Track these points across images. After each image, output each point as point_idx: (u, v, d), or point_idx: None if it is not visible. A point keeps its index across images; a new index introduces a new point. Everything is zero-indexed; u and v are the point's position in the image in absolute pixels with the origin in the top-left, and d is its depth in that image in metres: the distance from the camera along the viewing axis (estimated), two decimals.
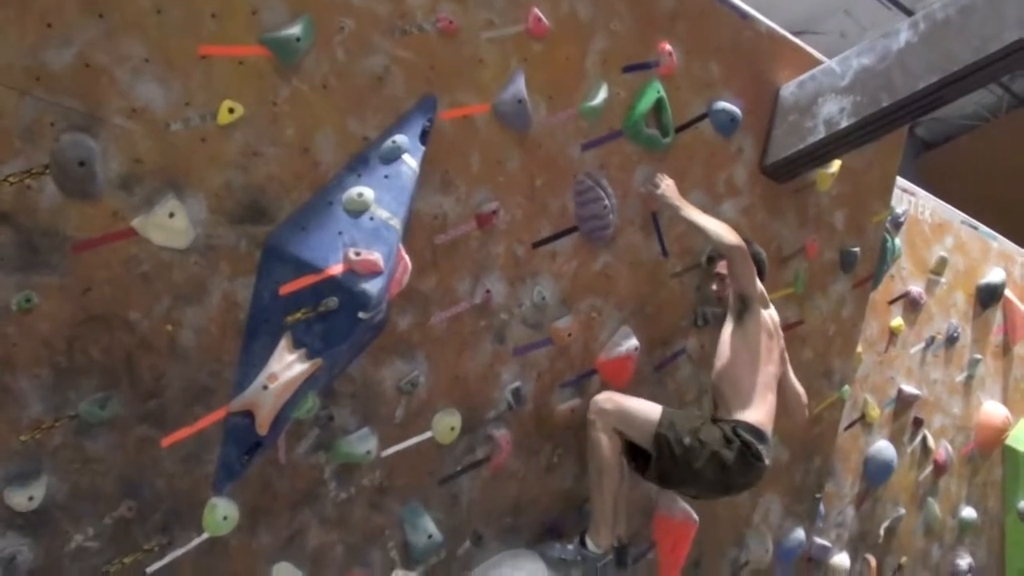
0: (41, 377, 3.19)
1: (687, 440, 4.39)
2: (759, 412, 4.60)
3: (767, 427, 4.61)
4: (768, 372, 4.73)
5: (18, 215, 3.09)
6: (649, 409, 4.52)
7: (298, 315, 3.48)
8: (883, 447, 7.00)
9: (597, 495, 4.46)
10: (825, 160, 5.43)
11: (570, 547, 4.48)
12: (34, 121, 3.08)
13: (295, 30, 3.54)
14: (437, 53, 3.95)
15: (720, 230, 4.56)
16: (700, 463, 4.39)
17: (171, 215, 3.35)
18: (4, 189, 3.06)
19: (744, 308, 4.67)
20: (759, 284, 4.73)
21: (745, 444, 4.45)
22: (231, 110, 3.45)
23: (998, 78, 5.03)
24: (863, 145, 5.33)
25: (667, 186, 4.67)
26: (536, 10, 4.22)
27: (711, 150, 5.02)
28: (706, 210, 4.82)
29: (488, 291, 4.24)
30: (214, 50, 3.40)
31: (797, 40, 5.48)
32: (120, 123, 3.23)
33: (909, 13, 12.27)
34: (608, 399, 4.53)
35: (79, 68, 3.15)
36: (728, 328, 4.74)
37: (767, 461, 4.54)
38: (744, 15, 5.11)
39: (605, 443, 4.44)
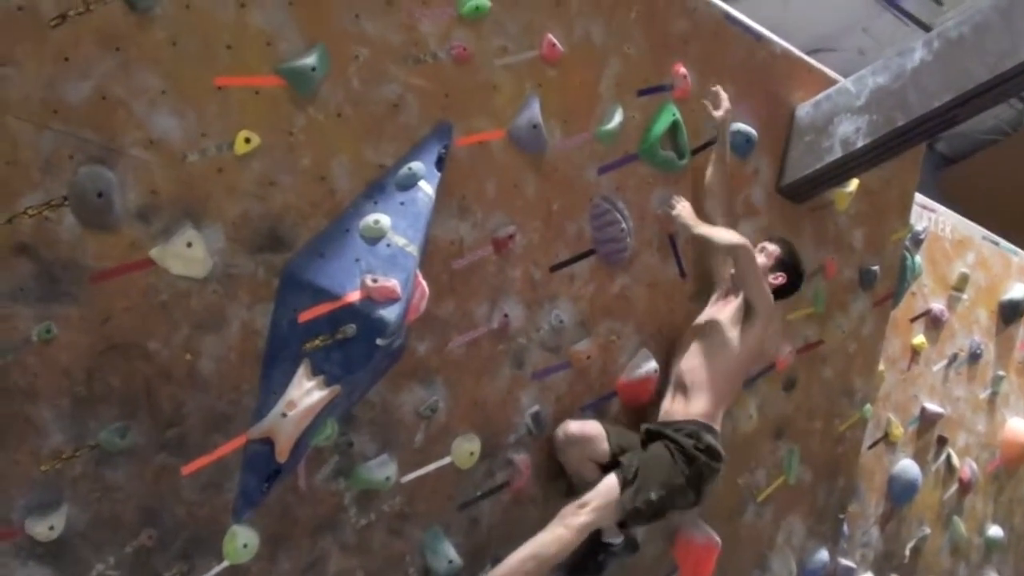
0: (61, 407, 3.20)
1: (653, 496, 4.24)
2: (713, 409, 4.53)
3: (717, 420, 4.56)
4: (736, 384, 4.75)
5: (37, 247, 3.11)
6: (605, 488, 4.25)
7: (316, 342, 3.48)
8: (907, 466, 6.94)
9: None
10: (842, 180, 5.41)
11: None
12: (52, 153, 3.11)
13: (310, 60, 3.55)
14: (451, 80, 3.96)
15: (723, 234, 4.55)
16: (672, 503, 4.35)
17: (189, 245, 3.36)
18: (24, 221, 3.08)
19: (748, 314, 4.61)
20: (768, 296, 4.67)
21: (709, 454, 4.38)
22: (247, 140, 3.47)
23: (1014, 95, 5.00)
24: (880, 164, 5.30)
25: (682, 207, 4.66)
26: (550, 36, 4.23)
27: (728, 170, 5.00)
28: None
29: (506, 315, 4.24)
30: (230, 81, 3.42)
31: (812, 60, 5.47)
32: (137, 154, 3.25)
33: (927, 29, 12.23)
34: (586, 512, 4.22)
35: (96, 101, 3.17)
36: (722, 316, 4.67)
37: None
38: (758, 36, 5.11)
39: (564, 539, 4.15)
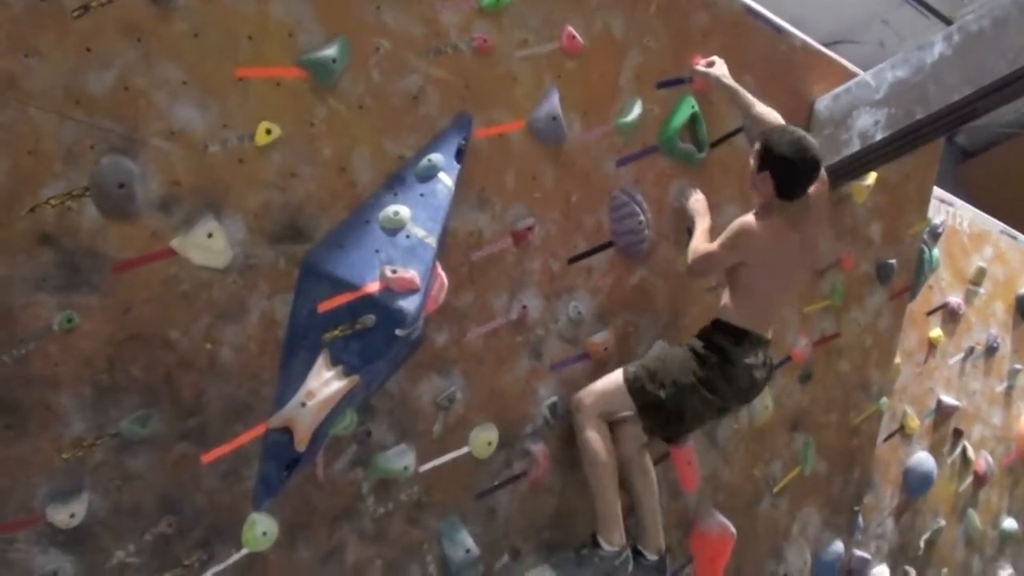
0: (83, 396, 3.20)
1: (662, 392, 4.25)
2: (749, 312, 4.36)
3: (758, 328, 4.38)
4: (782, 291, 4.52)
5: (59, 236, 3.10)
6: (614, 376, 4.36)
7: (336, 332, 3.47)
8: (923, 458, 6.91)
9: (600, 493, 4.30)
10: (861, 173, 5.37)
11: (583, 550, 4.37)
12: (74, 144, 3.10)
13: (331, 51, 3.54)
14: (472, 72, 3.94)
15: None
16: (685, 403, 4.27)
17: (210, 235, 3.35)
18: (46, 211, 3.07)
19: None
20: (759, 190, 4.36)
21: (722, 355, 4.29)
22: (268, 131, 3.45)
23: None
24: (898, 158, 5.26)
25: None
26: (570, 28, 4.20)
27: (746, 164, 4.95)
28: None
29: (524, 307, 4.22)
30: (251, 72, 3.41)
31: (832, 53, 5.42)
32: (159, 145, 3.24)
33: (948, 22, 12.14)
34: (580, 395, 4.37)
35: (118, 91, 3.16)
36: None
37: (755, 362, 4.36)
38: (779, 29, 5.07)
39: (592, 438, 4.28)
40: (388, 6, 3.69)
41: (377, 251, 3.54)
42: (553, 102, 4.18)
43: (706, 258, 4.33)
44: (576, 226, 4.37)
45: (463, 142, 3.87)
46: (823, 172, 4.44)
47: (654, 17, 4.51)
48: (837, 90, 5.22)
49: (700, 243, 4.41)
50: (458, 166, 3.83)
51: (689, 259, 4.40)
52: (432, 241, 3.63)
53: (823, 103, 5.25)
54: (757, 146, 4.33)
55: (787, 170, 4.22)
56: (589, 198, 4.39)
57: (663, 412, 4.29)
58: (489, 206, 4.07)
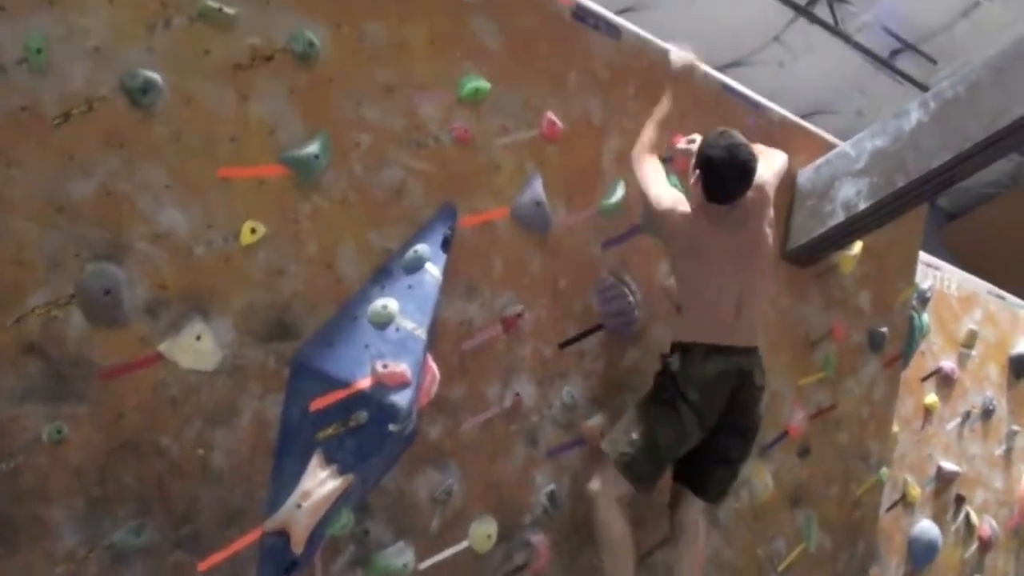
0: (74, 508, 3.16)
1: (634, 439, 4.16)
2: (697, 322, 4.29)
3: (714, 338, 4.24)
4: (726, 291, 4.30)
5: (46, 346, 3.08)
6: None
7: (329, 431, 3.45)
8: (926, 527, 6.85)
9: None
10: (846, 243, 5.40)
11: None
12: (58, 251, 3.10)
13: (313, 148, 3.56)
14: (454, 162, 3.96)
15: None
16: (655, 435, 4.17)
17: (198, 338, 3.34)
18: (31, 320, 3.06)
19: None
20: (649, 196, 4.32)
21: (678, 366, 4.20)
22: (253, 230, 3.46)
23: (1010, 152, 5.01)
24: (883, 226, 5.29)
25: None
26: (549, 114, 4.24)
27: None
28: None
29: (517, 394, 4.20)
30: (234, 172, 3.43)
31: (810, 125, 5.48)
32: (144, 249, 3.24)
33: (923, 88, 12.32)
34: (593, 479, 4.28)
35: (101, 197, 3.17)
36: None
37: (725, 367, 4.22)
38: (756, 104, 5.13)
39: (603, 522, 4.20)
40: (368, 101, 3.72)
41: (367, 346, 3.53)
42: (536, 188, 4.20)
43: (645, 181, 4.32)
44: (566, 310, 4.37)
45: (449, 232, 3.89)
46: (762, 184, 4.40)
47: (632, 99, 4.56)
48: (818, 162, 5.26)
49: (648, 157, 4.37)
50: (445, 256, 3.84)
51: (635, 158, 4.37)
52: (422, 333, 3.63)
53: (805, 175, 5.29)
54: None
55: (712, 171, 4.17)
56: (577, 281, 4.40)
57: (638, 457, 4.17)
58: (478, 294, 4.07)
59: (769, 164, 4.59)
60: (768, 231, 4.44)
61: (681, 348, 4.28)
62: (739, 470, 4.52)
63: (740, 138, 4.22)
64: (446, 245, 3.86)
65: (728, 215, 4.27)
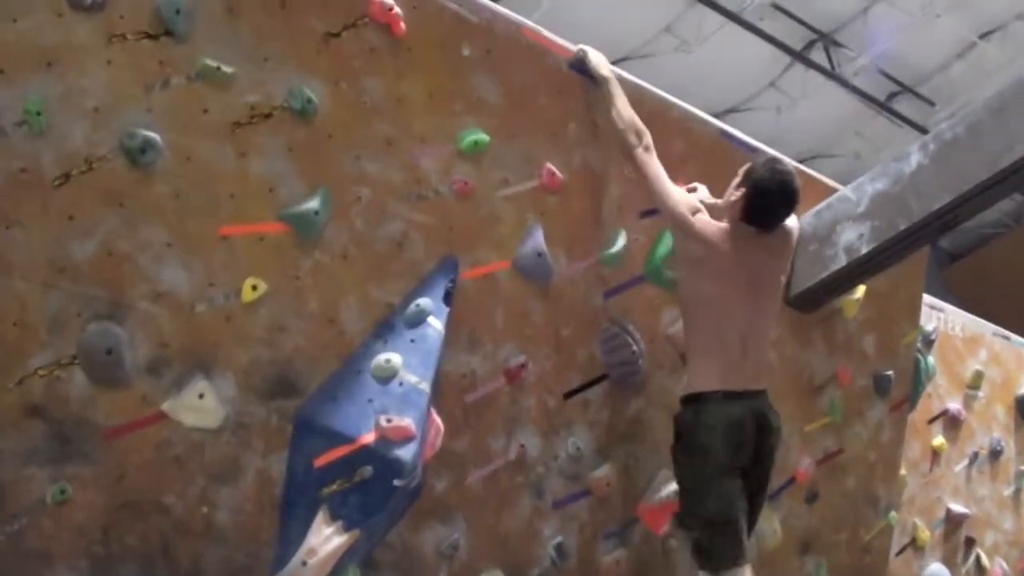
0: (79, 568, 3.15)
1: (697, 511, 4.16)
2: (710, 368, 4.22)
3: (728, 383, 4.19)
4: (733, 318, 4.24)
5: (49, 407, 3.08)
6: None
7: (333, 487, 3.44)
8: (937, 570, 6.80)
9: None
10: (849, 287, 5.40)
11: None
12: (60, 312, 3.10)
13: (313, 204, 3.57)
14: (454, 214, 3.98)
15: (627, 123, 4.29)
16: (704, 491, 4.14)
17: (201, 396, 3.34)
18: (34, 382, 3.06)
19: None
20: (666, 201, 4.25)
21: (691, 417, 4.19)
22: (255, 287, 3.46)
23: (1012, 192, 5.02)
24: (885, 269, 5.30)
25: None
26: (549, 165, 4.26)
27: None
28: None
29: (522, 446, 4.19)
30: (234, 230, 3.44)
31: (810, 170, 5.50)
32: (145, 308, 3.25)
33: (920, 129, 12.41)
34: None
35: (102, 257, 3.18)
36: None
37: (740, 413, 4.16)
38: (752, 149, 5.14)
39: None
40: (368, 155, 3.74)
41: (371, 401, 3.53)
42: (537, 239, 4.21)
43: (654, 181, 4.24)
44: (569, 360, 4.36)
45: (450, 285, 3.89)
46: (792, 230, 4.48)
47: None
48: (819, 206, 5.27)
49: (648, 155, 4.26)
50: (447, 309, 3.84)
51: (632, 156, 4.26)
52: (425, 387, 3.63)
53: (806, 220, 5.29)
54: (747, 164, 4.36)
55: (761, 192, 4.21)
56: (580, 332, 4.40)
57: (708, 543, 4.12)
58: (480, 347, 4.07)
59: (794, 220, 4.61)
60: (783, 278, 4.49)
61: (695, 400, 4.24)
62: (757, 519, 4.45)
63: (788, 164, 4.32)
64: (448, 298, 3.86)
65: (755, 242, 4.29)
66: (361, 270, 3.72)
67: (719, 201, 4.44)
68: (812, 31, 12.62)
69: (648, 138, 4.27)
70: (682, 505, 4.26)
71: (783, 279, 4.46)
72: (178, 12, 3.29)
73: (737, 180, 4.30)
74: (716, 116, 5.21)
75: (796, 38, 12.65)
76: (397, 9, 3.79)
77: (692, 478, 4.19)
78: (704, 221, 4.25)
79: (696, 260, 4.27)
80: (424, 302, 3.78)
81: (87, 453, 3.15)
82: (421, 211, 3.88)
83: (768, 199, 4.23)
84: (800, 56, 12.69)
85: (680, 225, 4.26)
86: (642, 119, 4.34)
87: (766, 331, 4.45)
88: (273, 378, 3.51)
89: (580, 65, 4.37)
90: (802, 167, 5.43)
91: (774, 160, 4.33)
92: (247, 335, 3.46)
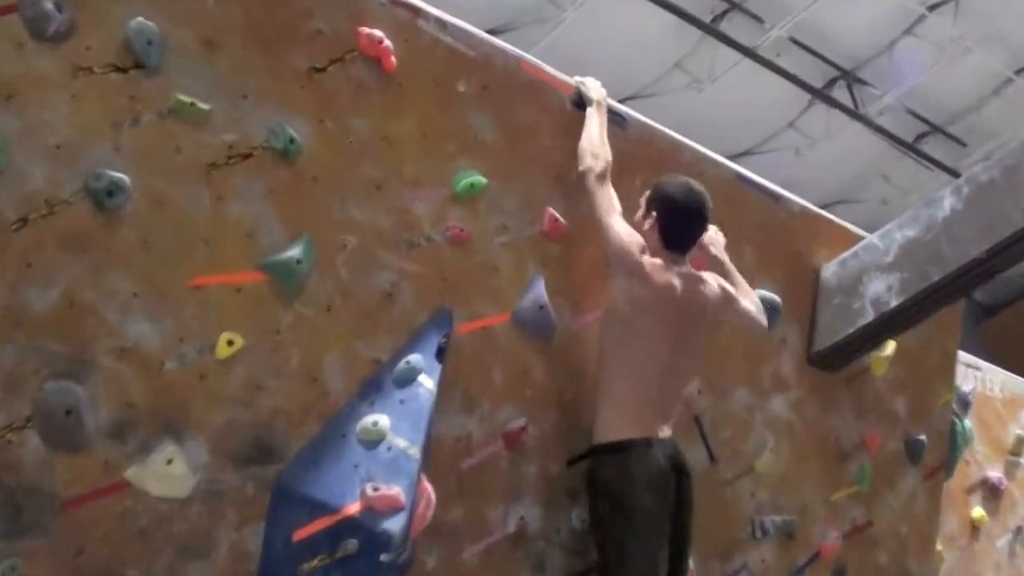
0: None
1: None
2: (629, 410, 4.18)
3: (644, 430, 4.15)
4: (657, 360, 4.24)
5: (0, 474, 3.03)
6: None
7: (314, 562, 3.39)
8: None
9: None
10: (877, 343, 5.38)
11: None
12: (15, 369, 3.07)
13: (295, 252, 3.56)
14: (449, 263, 3.97)
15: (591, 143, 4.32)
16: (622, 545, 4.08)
17: (169, 462, 3.30)
18: None
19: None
20: (607, 232, 4.23)
21: (614, 473, 4.11)
22: (230, 342, 3.44)
23: None
24: (917, 324, 5.28)
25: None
26: (551, 209, 4.26)
27: (752, 343, 4.97)
28: (752, 408, 4.77)
29: (522, 518, 4.15)
30: (208, 279, 3.42)
31: (833, 217, 5.50)
32: (110, 365, 3.22)
33: (952, 173, 12.44)
34: None
35: (63, 309, 3.15)
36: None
37: (661, 465, 4.13)
38: (776, 196, 5.16)
39: None
40: (354, 199, 3.73)
41: (356, 467, 3.51)
42: (539, 290, 4.21)
43: (600, 209, 4.23)
44: (573, 424, 4.33)
45: (444, 340, 3.87)
46: (729, 287, 4.53)
47: (639, 191, 4.54)
48: (844, 255, 5.27)
49: (604, 182, 4.26)
50: (440, 366, 3.82)
51: (587, 177, 4.25)
52: (416, 452, 3.60)
53: (830, 270, 5.29)
54: (646, 193, 4.36)
55: (673, 210, 4.27)
56: (585, 392, 4.36)
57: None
58: (476, 408, 4.04)
59: (745, 290, 4.66)
60: (715, 328, 4.51)
61: (613, 449, 4.16)
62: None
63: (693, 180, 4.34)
64: (441, 355, 3.84)
65: (680, 270, 4.30)
66: (346, 324, 3.70)
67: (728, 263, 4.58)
68: (834, 67, 12.70)
69: (605, 164, 4.29)
70: (603, 571, 4.20)
71: (713, 321, 4.48)
72: (150, 43, 3.30)
73: (641, 211, 4.33)
74: (731, 159, 5.22)
75: (817, 75, 12.72)
76: (387, 42, 3.81)
77: (617, 538, 4.12)
78: (651, 262, 4.23)
79: (636, 301, 4.22)
80: (415, 359, 3.76)
81: (43, 525, 3.10)
82: (412, 260, 3.87)
83: (682, 214, 4.30)
84: (821, 94, 12.76)
85: (625, 263, 4.22)
86: (651, 161, 4.36)
87: (688, 374, 4.48)
88: (249, 442, 3.47)
89: (583, 102, 4.38)
90: (825, 213, 5.43)
91: (678, 176, 4.38)
92: (221, 395, 3.43)
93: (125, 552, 3.24)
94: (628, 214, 4.35)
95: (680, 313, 4.27)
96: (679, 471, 4.25)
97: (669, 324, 4.25)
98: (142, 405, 3.27)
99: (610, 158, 4.30)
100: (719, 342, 4.82)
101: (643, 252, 4.22)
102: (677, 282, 4.27)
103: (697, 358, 4.48)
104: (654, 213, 4.28)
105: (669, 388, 4.32)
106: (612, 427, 4.19)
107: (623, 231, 4.23)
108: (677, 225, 4.30)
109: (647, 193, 4.35)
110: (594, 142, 4.31)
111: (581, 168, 4.28)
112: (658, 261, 4.25)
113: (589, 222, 4.36)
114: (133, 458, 3.25)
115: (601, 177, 4.26)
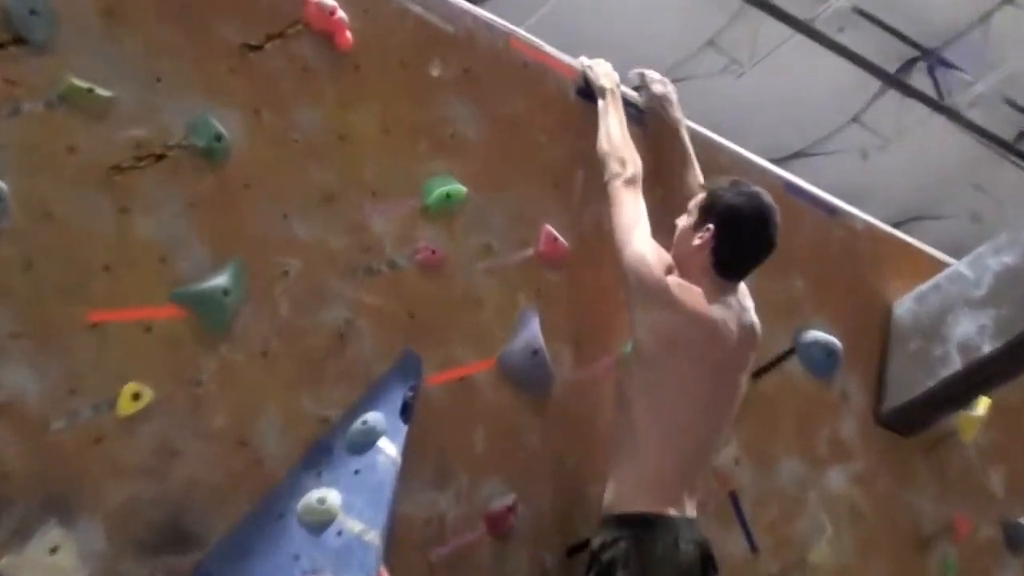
0: None
1: None
2: (654, 478, 4.09)
3: (670, 503, 4.08)
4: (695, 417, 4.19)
5: None
6: None
7: None
8: None
9: None
10: (967, 400, 5.39)
11: None
12: None
13: (221, 280, 3.58)
14: (418, 295, 3.99)
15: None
16: None
17: (53, 550, 3.28)
18: None
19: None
20: (624, 237, 4.24)
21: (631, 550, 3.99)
22: (136, 396, 3.43)
23: None
24: (1017, 376, 5.29)
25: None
26: (548, 227, 4.28)
27: (804, 398, 5.00)
28: (806, 482, 4.77)
29: None
30: (110, 315, 3.42)
31: (908, 238, 5.52)
32: None
33: None
34: None
35: None
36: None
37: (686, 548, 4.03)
38: (832, 210, 5.18)
39: None
40: (298, 214, 3.76)
41: (297, 557, 3.49)
42: (532, 329, 4.22)
43: (623, 219, 4.24)
44: (576, 501, 4.34)
45: (410, 393, 3.88)
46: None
47: (661, 204, 4.55)
48: (922, 287, 5.29)
49: (632, 189, 4.31)
50: (405, 427, 3.82)
51: (610, 175, 4.32)
52: (374, 537, 3.58)
53: (904, 306, 5.31)
54: (699, 197, 4.29)
55: (738, 225, 4.18)
56: (591, 460, 4.37)
57: None
58: (452, 480, 4.05)
59: None
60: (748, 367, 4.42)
61: (629, 523, 4.09)
62: None
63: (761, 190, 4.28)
64: (407, 412, 3.85)
65: (726, 299, 4.24)
66: (286, 372, 3.72)
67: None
68: (911, 46, 12.68)
69: (635, 169, 4.32)
70: None
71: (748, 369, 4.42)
72: (34, 12, 3.30)
73: (693, 219, 4.24)
74: (778, 162, 5.25)
75: (889, 56, 12.71)
76: (342, 13, 3.82)
77: None
78: (679, 283, 4.14)
79: (663, 335, 4.15)
80: (373, 418, 3.76)
81: None
82: (371, 291, 3.89)
83: (750, 232, 4.21)
84: (895, 80, 12.73)
85: (643, 285, 4.16)
86: None
87: (722, 435, 4.43)
88: (159, 525, 3.46)
89: (591, 91, 4.40)
90: (898, 232, 5.45)
91: (733, 181, 4.31)
92: (124, 463, 3.42)
93: None
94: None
95: (722, 353, 4.20)
96: (706, 564, 4.17)
97: (709, 366, 4.17)
98: (19, 477, 3.26)
99: (639, 161, 4.33)
100: (763, 394, 4.82)
101: (669, 272, 4.16)
102: (719, 314, 4.18)
103: (731, 415, 4.40)
104: (710, 227, 4.17)
105: (703, 452, 4.27)
106: (628, 495, 4.12)
107: (646, 248, 4.18)
108: (737, 247, 4.21)
109: (699, 198, 4.26)
110: (616, 143, 4.34)
111: (606, 177, 4.31)
112: (689, 284, 4.15)
113: (595, 242, 4.39)
114: (8, 545, 3.23)
115: (630, 184, 4.29)
